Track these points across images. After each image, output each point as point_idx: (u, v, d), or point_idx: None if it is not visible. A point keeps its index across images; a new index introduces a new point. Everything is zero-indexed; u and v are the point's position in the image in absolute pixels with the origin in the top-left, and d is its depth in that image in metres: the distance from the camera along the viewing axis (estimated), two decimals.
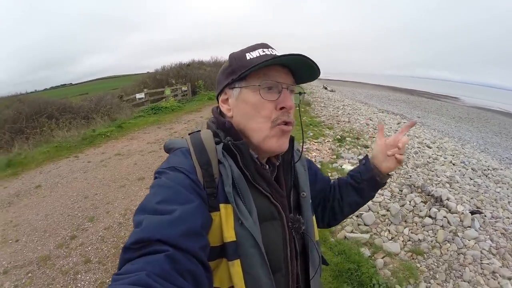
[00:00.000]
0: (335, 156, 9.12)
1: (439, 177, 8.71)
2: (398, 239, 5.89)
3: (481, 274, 5.20)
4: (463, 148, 13.87)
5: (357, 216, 6.35)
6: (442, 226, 6.23)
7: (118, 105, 17.13)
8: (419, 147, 11.42)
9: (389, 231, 6.09)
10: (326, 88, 33.86)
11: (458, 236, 5.99)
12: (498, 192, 8.68)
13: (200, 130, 1.07)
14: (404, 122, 17.12)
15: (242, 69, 1.02)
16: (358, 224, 6.18)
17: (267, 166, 1.11)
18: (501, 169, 11.08)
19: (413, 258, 5.45)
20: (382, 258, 5.31)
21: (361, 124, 14.22)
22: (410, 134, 13.63)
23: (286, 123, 1.04)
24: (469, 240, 5.90)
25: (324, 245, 5.13)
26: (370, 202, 6.64)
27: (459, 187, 8.36)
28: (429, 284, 4.87)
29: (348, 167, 8.33)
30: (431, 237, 5.99)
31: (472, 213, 6.84)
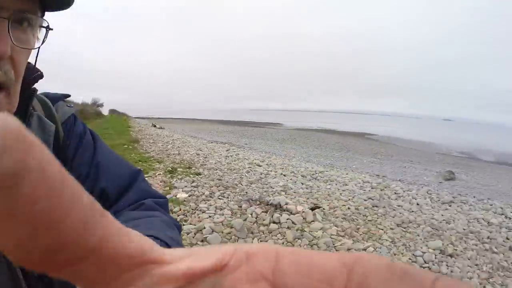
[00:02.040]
0: (168, 188, 9.39)
1: (273, 188, 9.85)
2: None
3: None
4: (290, 162, 16.15)
5: (202, 241, 6.29)
6: (288, 228, 6.87)
7: None
8: (250, 167, 12.83)
9: None
10: (155, 126, 34.24)
11: (305, 231, 6.75)
12: (329, 189, 10.55)
13: None
14: (233, 149, 18.86)
15: None
16: None
17: None
18: (326, 171, 13.55)
19: None
20: None
21: (191, 154, 15.12)
22: (240, 157, 15.08)
23: None
24: (317, 232, 6.81)
25: None
26: (212, 224, 6.79)
27: (294, 192, 9.65)
28: None
29: (183, 195, 8.60)
30: (280, 239, 6.50)
31: (312, 209, 7.96)
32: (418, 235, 7.58)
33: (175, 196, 8.62)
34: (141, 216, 1.01)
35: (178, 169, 11.56)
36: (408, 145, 33.93)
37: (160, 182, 10.04)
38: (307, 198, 9.19)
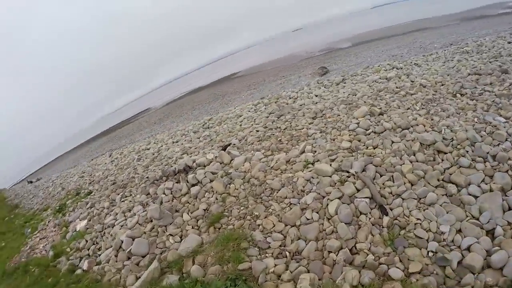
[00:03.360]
0: (64, 227, 7.75)
1: (172, 157, 8.72)
2: (186, 232, 4.83)
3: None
4: (176, 128, 15.18)
5: (128, 259, 4.93)
6: (210, 181, 5.74)
7: None
8: (139, 154, 11.52)
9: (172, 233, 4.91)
10: (31, 182, 27.72)
11: (231, 172, 5.71)
12: (227, 127, 9.80)
13: None
14: (116, 151, 17.08)
15: None
16: None
17: None
18: (214, 116, 12.96)
19: (217, 228, 4.61)
20: (193, 264, 4.06)
21: (75, 181, 13.33)
22: (125, 154, 13.63)
23: None
24: (243, 165, 5.87)
25: None
26: (129, 231, 5.29)
27: (195, 148, 8.68)
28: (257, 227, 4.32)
29: (82, 224, 7.00)
30: (211, 197, 5.36)
31: (224, 149, 6.98)
32: (339, 115, 7.03)
33: (75, 230, 7.00)
34: None
35: (67, 203, 9.77)
36: (273, 66, 34.48)
37: (54, 228, 8.24)
38: (212, 146, 8.21)
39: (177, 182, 6.30)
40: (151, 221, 5.35)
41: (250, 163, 5.81)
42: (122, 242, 5.15)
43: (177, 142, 10.76)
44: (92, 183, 10.56)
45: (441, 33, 20.07)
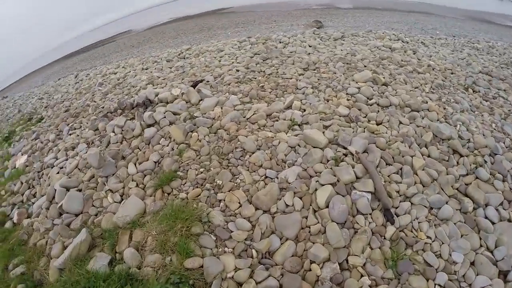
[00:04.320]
0: (6, 161, 6.32)
1: (136, 86, 7.29)
2: (128, 190, 3.73)
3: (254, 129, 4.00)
4: (150, 54, 13.50)
5: (60, 215, 3.92)
6: (170, 124, 4.49)
7: None
8: (104, 79, 9.96)
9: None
10: None
11: (197, 117, 4.46)
12: (205, 60, 8.28)
13: None
14: (83, 73, 15.34)
15: None
16: None
17: None
18: (194, 47, 11.51)
19: (166, 192, 3.49)
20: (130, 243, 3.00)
21: (33, 103, 11.96)
22: (91, 76, 12.52)
23: None
24: (213, 110, 4.59)
25: None
26: (65, 179, 4.42)
27: (163, 80, 7.21)
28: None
29: (22, 160, 5.63)
30: (166, 145, 4.15)
31: (194, 85, 5.62)
32: (335, 73, 5.86)
33: (14, 167, 5.64)
34: None
35: (17, 129, 8.42)
36: (266, 9, 32.20)
37: None
38: (182, 79, 6.82)
39: (131, 119, 5.04)
40: (91, 167, 4.15)
41: (222, 108, 4.58)
42: (56, 191, 3.94)
43: (146, 69, 9.30)
44: (47, 108, 9.11)
45: (445, 23, 18.98)
